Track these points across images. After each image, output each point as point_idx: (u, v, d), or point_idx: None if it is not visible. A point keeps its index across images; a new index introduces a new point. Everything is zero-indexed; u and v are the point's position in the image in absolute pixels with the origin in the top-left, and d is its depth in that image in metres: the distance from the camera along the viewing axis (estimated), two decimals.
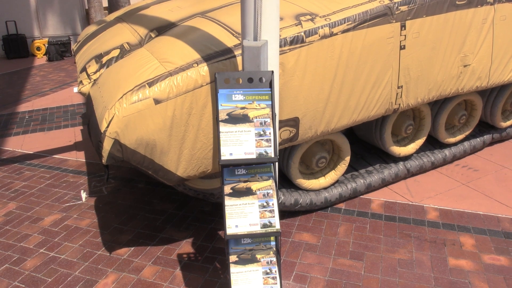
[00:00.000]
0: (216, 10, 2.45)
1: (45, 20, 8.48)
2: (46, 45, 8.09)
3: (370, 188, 2.90)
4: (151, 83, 1.92)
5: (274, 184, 1.75)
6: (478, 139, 3.26)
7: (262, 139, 1.72)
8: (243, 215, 1.70)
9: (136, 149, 1.92)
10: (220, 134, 1.69)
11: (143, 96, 1.88)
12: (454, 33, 2.57)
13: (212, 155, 2.09)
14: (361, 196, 2.90)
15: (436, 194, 2.83)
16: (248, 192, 1.73)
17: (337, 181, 2.83)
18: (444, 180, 2.99)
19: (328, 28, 2.17)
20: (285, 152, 2.60)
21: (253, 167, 1.75)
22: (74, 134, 4.23)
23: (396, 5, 2.33)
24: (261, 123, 1.73)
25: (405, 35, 2.40)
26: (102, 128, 1.89)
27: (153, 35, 2.53)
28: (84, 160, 3.59)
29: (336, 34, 2.20)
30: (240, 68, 2.02)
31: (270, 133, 1.72)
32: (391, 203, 2.78)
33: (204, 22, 2.28)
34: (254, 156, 1.70)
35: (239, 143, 1.70)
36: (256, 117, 1.73)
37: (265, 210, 1.71)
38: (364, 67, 2.36)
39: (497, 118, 3.21)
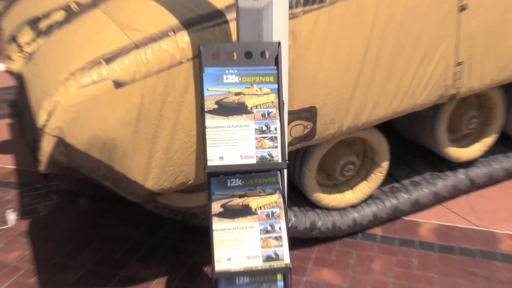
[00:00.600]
0: None
1: None
2: None
3: (417, 206, 2.93)
4: (109, 59, 1.93)
5: (281, 200, 1.78)
6: None
7: (265, 137, 1.75)
8: (239, 243, 1.72)
9: (88, 151, 1.94)
10: (207, 130, 1.72)
11: (98, 77, 1.90)
12: None
13: (196, 160, 2.12)
14: (404, 218, 2.93)
15: None
16: (245, 211, 1.75)
17: (370, 197, 2.86)
18: None
19: None
20: (297, 156, 2.63)
21: (253, 176, 1.78)
22: None
23: None
24: (263, 115, 1.76)
25: None
26: (40, 121, 1.90)
27: None
28: (13, 167, 3.62)
29: None
30: (234, 38, 2.05)
31: (276, 129, 1.75)
32: (447, 227, 2.83)
33: None
34: (254, 161, 1.72)
35: (232, 143, 1.73)
36: (256, 106, 1.76)
37: (269, 237, 1.74)
38: (408, 37, 2.40)
39: None
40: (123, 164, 2.00)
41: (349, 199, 2.77)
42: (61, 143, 1.90)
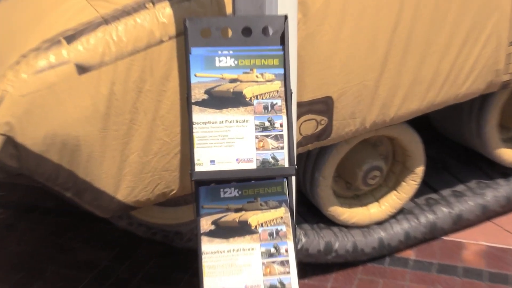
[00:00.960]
0: None
1: None
2: None
3: (460, 223, 2.96)
4: (71, 37, 1.92)
5: (289, 215, 1.80)
6: None
7: (268, 136, 1.76)
8: (235, 270, 1.73)
9: (44, 154, 1.93)
10: (194, 126, 1.74)
11: (57, 60, 1.89)
12: None
13: (180, 165, 2.14)
14: (444, 238, 2.94)
15: None
16: (242, 229, 1.76)
17: (401, 211, 2.89)
18: None
19: None
20: (309, 160, 2.66)
21: (252, 185, 1.80)
22: None
23: None
24: (266, 108, 1.77)
25: None
26: None
27: None
28: None
29: None
30: (228, 10, 2.04)
31: (281, 125, 1.77)
32: (499, 250, 2.85)
33: None
34: (253, 166, 1.74)
35: (227, 143, 1.74)
36: (257, 96, 1.78)
37: (274, 262, 1.75)
38: (449, 10, 2.42)
39: None
40: (88, 169, 2.01)
41: (374, 214, 2.80)
42: (10, 143, 1.90)
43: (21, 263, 2.84)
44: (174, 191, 2.15)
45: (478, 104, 2.93)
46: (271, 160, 1.74)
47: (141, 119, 2.00)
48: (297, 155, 2.40)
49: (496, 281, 2.64)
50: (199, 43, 1.77)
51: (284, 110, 1.78)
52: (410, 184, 2.82)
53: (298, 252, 2.53)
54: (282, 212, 1.80)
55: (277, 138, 1.76)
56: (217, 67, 1.77)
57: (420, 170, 2.80)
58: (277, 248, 1.76)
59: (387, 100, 2.42)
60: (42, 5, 2.16)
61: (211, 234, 1.75)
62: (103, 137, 1.98)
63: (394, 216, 2.85)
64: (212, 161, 1.72)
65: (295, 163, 1.80)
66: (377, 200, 2.84)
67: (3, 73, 1.90)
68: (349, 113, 2.37)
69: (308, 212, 2.81)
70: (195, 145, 1.72)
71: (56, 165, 1.96)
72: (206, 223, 1.75)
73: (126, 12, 1.97)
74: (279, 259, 1.75)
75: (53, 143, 1.92)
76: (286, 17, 1.80)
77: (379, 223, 2.81)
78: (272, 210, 1.79)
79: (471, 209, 2.94)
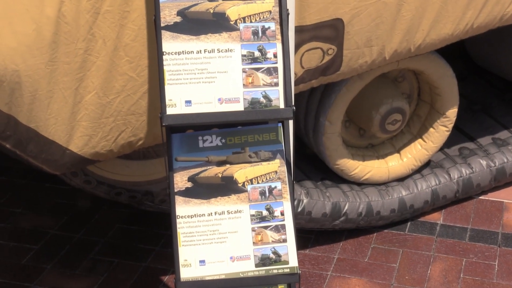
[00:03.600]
0: None
1: None
2: None
3: (503, 179, 3.02)
4: None
5: (285, 169, 1.82)
6: None
7: (258, 69, 1.78)
8: (217, 237, 1.77)
9: None
10: (164, 58, 1.76)
11: None
12: None
13: (149, 107, 2.17)
14: (481, 197, 3.00)
15: None
16: (227, 187, 1.79)
17: (428, 164, 2.93)
18: None
19: None
20: (312, 100, 2.72)
21: (239, 131, 1.83)
22: None
23: None
24: (255, 33, 1.79)
25: None
26: None
27: None
28: None
29: None
30: None
31: (275, 55, 1.78)
32: None
33: None
34: (241, 107, 1.77)
35: (206, 78, 1.77)
36: (244, 19, 1.79)
37: (267, 227, 1.78)
38: None
39: None
40: (32, 114, 2.03)
41: (394, 168, 2.86)
42: None
43: None
44: (142, 140, 2.18)
45: None
46: (262, 99, 1.76)
47: (98, 49, 2.02)
48: (297, 94, 2.46)
49: None
50: None
51: (279, 36, 1.80)
52: (440, 131, 2.86)
53: (297, 216, 2.61)
54: (277, 165, 1.82)
55: (270, 71, 1.78)
56: None
57: (452, 113, 2.84)
58: (270, 210, 1.78)
59: (413, 22, 2.46)
60: None
61: (187, 193, 1.77)
62: (50, 71, 1.99)
63: (419, 171, 2.89)
64: (188, 102, 1.75)
65: (293, 104, 1.81)
66: (397, 151, 2.89)
67: None
68: (364, 40, 2.41)
69: (311, 167, 2.85)
70: (166, 82, 1.75)
71: None
72: (181, 180, 1.78)
73: None
74: (273, 223, 1.78)
75: None
76: None
77: (400, 179, 2.86)
78: (264, 163, 1.82)
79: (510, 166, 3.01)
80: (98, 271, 2.65)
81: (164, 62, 1.75)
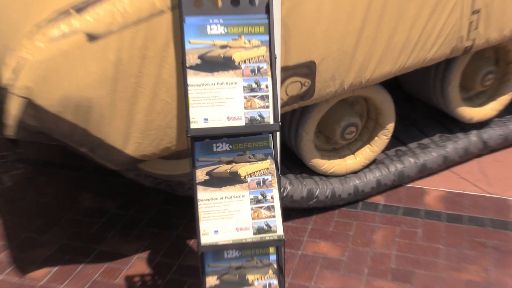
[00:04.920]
0: None
1: None
2: None
3: (424, 172, 3.01)
4: (81, 8, 1.91)
5: (274, 166, 1.81)
6: None
7: (255, 96, 1.77)
8: (226, 214, 1.75)
9: (60, 114, 1.94)
10: (189, 88, 1.73)
11: (69, 30, 1.87)
12: None
13: (180, 122, 2.14)
14: (410, 185, 2.99)
15: None
16: (233, 179, 1.78)
17: (373, 161, 2.94)
18: None
19: None
20: (293, 117, 2.69)
21: (241, 140, 1.81)
22: None
23: None
24: (253, 71, 1.77)
25: None
26: (4, 80, 1.89)
27: None
28: None
29: None
30: None
31: (267, 86, 1.77)
32: (456, 195, 2.92)
33: None
34: (242, 123, 1.75)
35: (218, 103, 1.75)
36: (245, 61, 1.78)
37: (261, 207, 1.77)
38: None
39: None
40: (100, 128, 2.02)
41: (350, 165, 2.85)
42: (30, 105, 1.91)
43: (40, 211, 2.88)
44: (175, 146, 2.16)
45: (442, 67, 2.95)
46: (258, 118, 1.75)
47: (145, 82, 2.00)
48: (283, 114, 2.50)
49: (452, 221, 2.69)
50: (192, 12, 1.75)
51: (269, 73, 1.78)
52: (382, 139, 2.85)
53: (283, 199, 2.61)
54: (268, 163, 1.81)
55: (263, 98, 1.77)
56: (208, 34, 1.77)
57: (390, 126, 2.83)
58: (263, 195, 1.78)
59: (363, 64, 2.43)
60: None
61: (205, 183, 1.76)
62: (112, 98, 1.98)
63: (367, 166, 2.89)
64: (206, 119, 1.73)
65: (280, 120, 1.81)
66: (353, 152, 2.88)
67: (20, 42, 1.90)
68: (329, 76, 2.37)
69: (293, 164, 2.85)
70: (190, 105, 1.72)
71: (72, 124, 1.98)
72: (201, 174, 1.76)
73: None
74: (265, 204, 1.77)
75: (68, 104, 1.94)
76: None
77: (354, 172, 2.86)
78: (259, 162, 1.80)
79: (434, 159, 2.99)
80: (144, 238, 2.65)
81: (189, 92, 1.73)
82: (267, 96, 1.77)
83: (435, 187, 2.97)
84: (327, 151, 2.85)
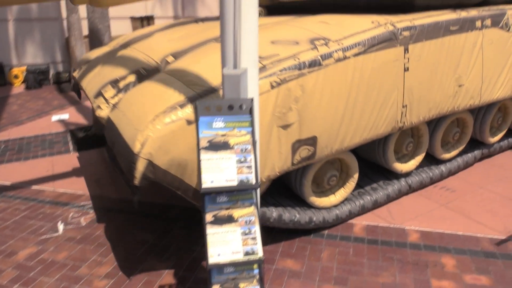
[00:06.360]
0: None
1: (23, 48, 9.09)
2: (24, 73, 8.61)
3: (376, 205, 3.21)
4: (182, 105, 2.18)
5: (256, 210, 1.93)
6: (469, 154, 3.81)
7: (243, 166, 1.90)
8: (225, 243, 1.86)
9: (168, 170, 2.14)
10: (201, 161, 1.86)
11: (176, 118, 2.14)
12: (449, 55, 3.07)
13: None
14: (350, 221, 3.15)
15: (417, 216, 3.15)
16: (230, 219, 1.89)
17: (346, 199, 3.13)
18: (423, 202, 3.33)
19: (341, 52, 2.53)
20: (298, 172, 2.88)
21: (235, 194, 1.92)
22: (52, 163, 4.50)
23: (400, 30, 2.76)
24: (241, 150, 1.91)
25: (408, 58, 2.82)
26: (135, 149, 2.11)
27: (169, 60, 2.83)
28: (62, 191, 3.83)
29: (349, 57, 2.55)
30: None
31: (251, 160, 1.90)
32: (373, 226, 3.04)
33: (218, 47, 2.46)
34: (235, 183, 1.86)
35: (220, 170, 1.86)
36: (236, 144, 1.91)
37: (248, 238, 1.89)
38: (373, 88, 2.71)
39: (485, 134, 3.82)
40: (191, 178, 2.23)
41: (332, 201, 3.03)
42: (150, 164, 2.12)
43: (101, 243, 2.94)
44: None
45: (383, 140, 3.20)
46: (245, 180, 1.87)
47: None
48: (292, 170, 2.71)
49: (371, 244, 2.82)
50: (204, 114, 1.93)
51: (252, 152, 1.92)
52: (351, 184, 3.07)
53: (295, 223, 2.81)
54: (252, 209, 1.94)
55: (249, 167, 1.90)
56: (214, 127, 1.92)
57: (356, 176, 3.06)
58: (249, 230, 1.91)
59: (343, 137, 2.69)
60: (160, 89, 2.40)
61: (212, 223, 1.88)
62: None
63: (343, 202, 3.08)
64: (212, 181, 1.85)
65: (259, 181, 1.92)
66: (333, 193, 3.06)
67: (146, 125, 2.16)
68: (324, 145, 2.63)
69: (298, 202, 3.01)
70: (202, 172, 1.84)
71: (174, 176, 2.20)
72: (209, 216, 1.89)
73: (210, 91, 2.24)
74: (250, 236, 1.89)
75: (173, 163, 2.16)
76: (252, 99, 1.97)
77: (335, 206, 3.04)
78: (247, 208, 1.93)
79: (382, 197, 3.20)
80: (172, 259, 2.71)
81: (202, 164, 1.86)
82: (250, 166, 1.88)
83: (359, 222, 3.09)
84: (317, 193, 3.00)
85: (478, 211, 3.18)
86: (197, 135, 1.92)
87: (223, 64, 2.02)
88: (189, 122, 2.15)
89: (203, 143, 1.91)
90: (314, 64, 2.45)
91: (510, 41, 3.46)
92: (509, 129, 4.21)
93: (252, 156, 1.92)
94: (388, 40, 2.73)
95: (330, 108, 2.56)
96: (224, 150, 1.91)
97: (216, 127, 1.94)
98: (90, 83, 3.15)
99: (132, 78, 2.79)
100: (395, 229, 2.99)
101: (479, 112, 3.78)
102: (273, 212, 2.73)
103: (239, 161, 1.91)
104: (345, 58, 2.55)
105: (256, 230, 1.92)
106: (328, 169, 2.93)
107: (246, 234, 1.90)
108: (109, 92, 2.78)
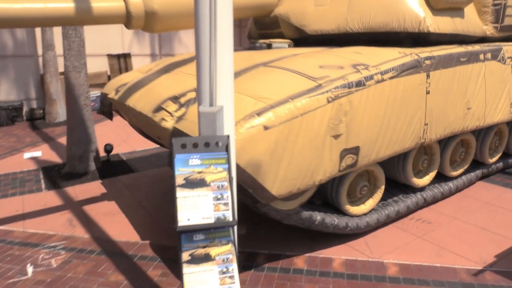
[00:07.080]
0: (276, 61, 3.17)
1: None
2: None
3: (399, 215, 3.57)
4: (259, 113, 2.44)
5: (233, 248, 1.94)
6: (472, 173, 4.32)
7: (220, 203, 1.92)
8: (203, 282, 1.87)
9: (245, 169, 2.34)
10: (177, 199, 1.87)
11: (255, 123, 2.39)
12: (460, 82, 3.61)
13: (300, 176, 2.60)
14: (321, 256, 3.14)
15: (395, 248, 3.20)
16: (207, 257, 1.89)
17: (374, 208, 3.49)
18: (400, 234, 3.42)
19: (380, 75, 2.97)
20: (334, 182, 3.21)
21: (212, 232, 1.93)
22: (22, 202, 4.36)
23: (423, 59, 3.29)
24: (218, 187, 1.93)
25: (429, 83, 3.32)
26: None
27: None
28: (33, 231, 3.70)
29: (386, 80, 3.00)
30: (196, 133, 2.27)
31: (227, 197, 1.92)
32: (352, 260, 3.06)
33: (271, 70, 2.93)
34: (212, 221, 1.87)
35: (196, 208, 1.88)
36: (213, 181, 1.94)
37: (225, 276, 1.89)
38: (403, 107, 3.14)
39: (485, 155, 4.38)
40: (263, 178, 2.45)
41: (363, 210, 3.36)
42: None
43: (73, 286, 2.81)
44: (294, 191, 2.66)
45: (402, 156, 3.58)
46: (222, 217, 1.89)
47: (286, 153, 2.51)
48: (328, 181, 3.06)
49: (351, 279, 2.84)
50: (180, 151, 1.95)
51: (229, 188, 1.94)
52: (378, 194, 3.42)
53: (334, 227, 3.15)
54: (230, 247, 1.94)
55: (225, 204, 1.92)
56: (190, 165, 1.94)
57: (383, 187, 3.43)
58: (227, 268, 1.90)
59: (379, 149, 3.02)
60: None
61: (189, 262, 1.88)
62: (270, 161, 2.45)
63: (371, 211, 3.42)
64: (188, 219, 1.86)
65: (236, 218, 1.94)
66: (363, 203, 3.40)
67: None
68: (365, 154, 2.94)
69: (334, 210, 3.29)
70: (178, 210, 1.86)
71: (249, 174, 2.39)
72: (185, 256, 1.89)
73: (281, 103, 2.51)
74: (228, 275, 1.90)
75: (250, 163, 2.38)
76: (228, 136, 2.01)
77: (365, 214, 3.38)
78: (224, 246, 1.94)
79: (403, 208, 3.54)
80: None
81: (177, 201, 1.87)
82: (227, 203, 1.90)
83: (338, 256, 3.10)
84: (350, 202, 3.30)
85: (454, 242, 3.27)
86: (174, 173, 1.94)
87: (199, 102, 2.07)
88: (265, 128, 2.40)
89: (179, 180, 1.92)
90: (359, 84, 2.85)
91: (506, 72, 4.07)
92: (504, 152, 4.76)
93: (229, 193, 1.95)
94: (414, 67, 3.19)
95: (371, 123, 2.93)
96: (200, 187, 1.92)
97: (193, 164, 1.96)
98: (140, 101, 3.30)
99: (192, 95, 2.96)
100: (374, 263, 3.02)
101: (479, 134, 4.32)
102: (318, 216, 3.05)
103: (216, 198, 1.93)
104: (383, 80, 2.98)
105: (234, 268, 1.93)
106: (360, 180, 3.29)
107: (223, 273, 1.91)
108: (171, 106, 2.94)
